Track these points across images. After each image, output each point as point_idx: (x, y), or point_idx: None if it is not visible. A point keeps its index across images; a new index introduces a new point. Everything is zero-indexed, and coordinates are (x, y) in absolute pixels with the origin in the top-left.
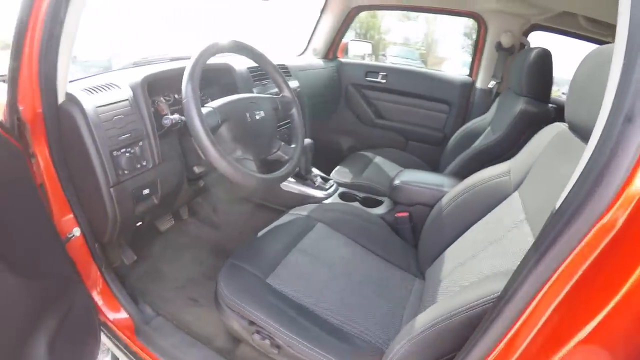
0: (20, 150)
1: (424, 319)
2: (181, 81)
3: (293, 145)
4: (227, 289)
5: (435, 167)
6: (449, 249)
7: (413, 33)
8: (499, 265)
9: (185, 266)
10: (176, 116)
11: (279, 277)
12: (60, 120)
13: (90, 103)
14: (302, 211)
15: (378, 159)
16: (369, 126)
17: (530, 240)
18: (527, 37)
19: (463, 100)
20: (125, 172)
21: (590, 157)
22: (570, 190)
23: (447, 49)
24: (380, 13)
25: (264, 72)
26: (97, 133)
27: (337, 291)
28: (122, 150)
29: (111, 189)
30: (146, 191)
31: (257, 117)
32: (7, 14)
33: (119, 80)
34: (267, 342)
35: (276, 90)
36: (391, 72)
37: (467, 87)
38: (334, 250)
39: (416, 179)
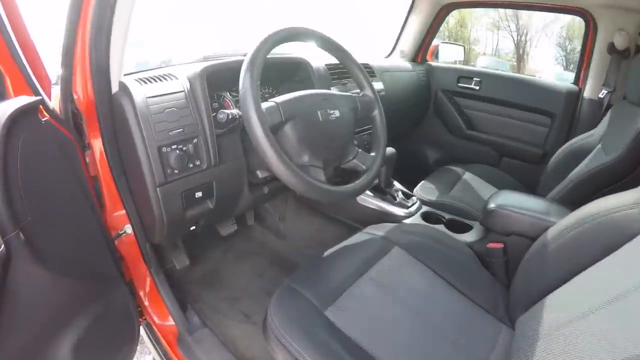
0: (71, 141)
1: None
2: None
3: (373, 154)
4: (277, 316)
5: (532, 188)
6: (551, 295)
7: (503, 44)
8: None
9: (244, 276)
10: (234, 110)
11: (340, 310)
12: (113, 110)
13: (140, 93)
14: (378, 231)
15: (467, 176)
16: (459, 138)
17: None
18: None
19: (568, 112)
20: (175, 171)
21: None
22: None
23: (540, 60)
24: (469, 23)
25: (345, 69)
26: (144, 125)
27: (407, 335)
28: (173, 146)
29: (158, 189)
30: (199, 194)
31: (332, 117)
32: None
33: (178, 72)
34: None
35: (357, 91)
36: (486, 77)
37: (573, 97)
38: (409, 281)
39: (515, 204)
